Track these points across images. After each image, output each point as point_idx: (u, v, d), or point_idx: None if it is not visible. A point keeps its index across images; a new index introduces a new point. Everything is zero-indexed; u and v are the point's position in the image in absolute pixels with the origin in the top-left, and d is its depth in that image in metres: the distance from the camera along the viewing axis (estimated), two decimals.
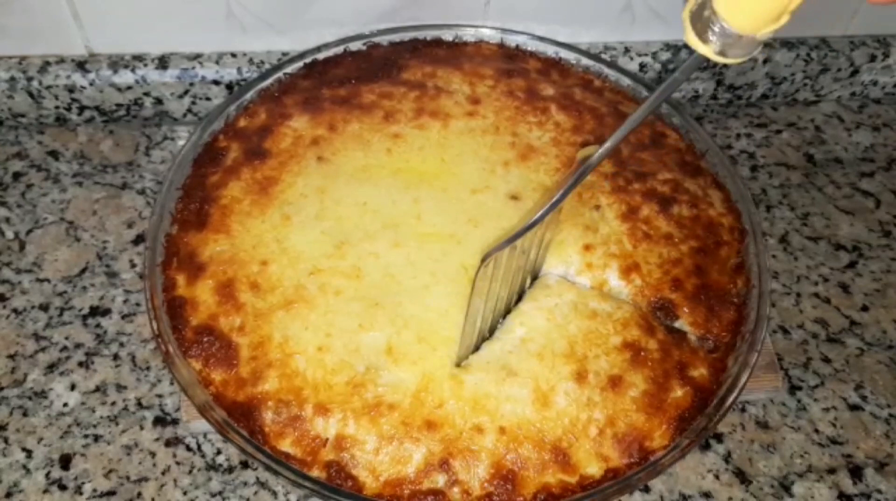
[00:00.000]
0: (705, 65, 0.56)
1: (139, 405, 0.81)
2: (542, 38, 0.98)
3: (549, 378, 0.71)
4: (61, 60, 0.99)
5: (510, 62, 0.96)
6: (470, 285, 0.76)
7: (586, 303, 0.76)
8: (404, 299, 0.74)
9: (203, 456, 0.78)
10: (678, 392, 0.72)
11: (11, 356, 0.84)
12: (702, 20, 0.53)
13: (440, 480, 0.66)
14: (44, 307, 0.88)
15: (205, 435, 0.79)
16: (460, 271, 0.77)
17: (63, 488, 0.75)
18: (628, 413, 0.70)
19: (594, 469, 0.68)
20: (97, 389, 0.82)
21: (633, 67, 1.06)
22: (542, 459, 0.68)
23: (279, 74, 0.93)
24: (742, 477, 0.79)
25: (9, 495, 0.75)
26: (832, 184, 1.05)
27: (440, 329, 0.73)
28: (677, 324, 0.77)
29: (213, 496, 0.76)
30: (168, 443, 0.79)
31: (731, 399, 0.71)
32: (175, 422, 0.80)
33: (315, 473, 0.67)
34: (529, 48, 0.99)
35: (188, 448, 0.79)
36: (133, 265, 0.92)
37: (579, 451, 0.68)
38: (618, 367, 0.72)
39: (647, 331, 0.74)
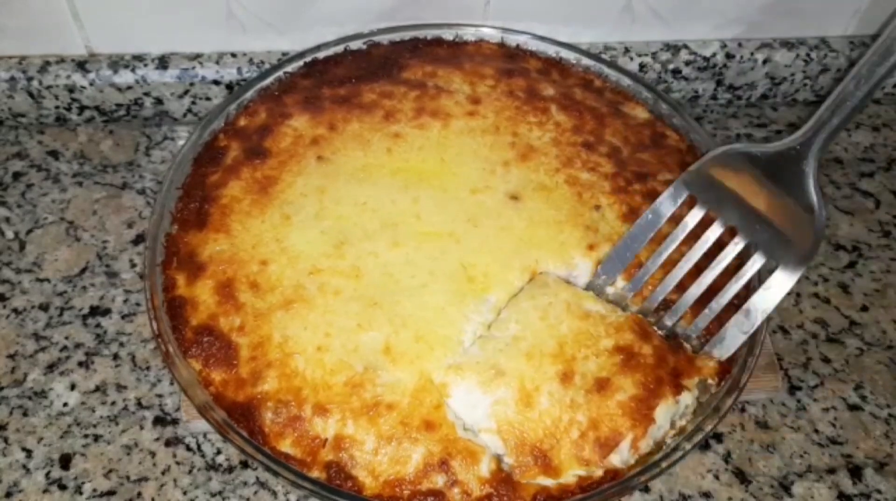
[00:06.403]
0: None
1: (139, 405, 0.81)
2: (542, 38, 0.98)
3: (535, 378, 0.70)
4: (61, 60, 1.00)
5: (511, 62, 0.96)
6: (468, 284, 0.76)
7: (580, 304, 0.75)
8: (402, 298, 0.74)
9: (203, 456, 0.78)
10: (669, 400, 0.71)
11: (11, 356, 0.84)
12: None
13: (440, 480, 0.66)
14: (44, 307, 0.88)
15: (205, 435, 0.79)
16: (459, 270, 0.76)
17: (63, 488, 0.76)
18: (613, 418, 0.69)
19: (576, 473, 0.67)
20: (97, 389, 0.82)
21: (633, 67, 1.06)
22: (525, 461, 0.67)
23: (279, 74, 0.93)
24: (742, 477, 0.79)
25: (9, 495, 0.75)
26: (832, 184, 1.05)
27: (437, 328, 0.73)
28: None
29: (213, 496, 0.76)
30: (168, 443, 0.79)
31: (730, 400, 0.71)
32: (175, 422, 0.80)
33: (315, 473, 0.67)
34: (530, 48, 0.99)
35: (188, 448, 0.79)
36: (133, 265, 0.92)
37: (560, 453, 0.67)
38: (607, 370, 0.71)
39: (641, 336, 0.73)
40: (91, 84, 1.00)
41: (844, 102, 0.68)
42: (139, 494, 0.75)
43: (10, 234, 0.94)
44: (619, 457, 0.68)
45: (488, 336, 0.73)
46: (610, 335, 0.73)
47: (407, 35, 0.98)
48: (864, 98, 0.67)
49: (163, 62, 1.00)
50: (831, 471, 0.80)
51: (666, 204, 0.78)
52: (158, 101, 1.03)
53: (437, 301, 0.74)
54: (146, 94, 1.02)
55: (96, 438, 0.79)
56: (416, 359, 0.71)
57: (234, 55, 1.02)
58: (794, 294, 0.93)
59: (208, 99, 1.04)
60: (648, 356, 0.72)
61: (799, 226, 0.71)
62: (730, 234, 0.75)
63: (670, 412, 0.71)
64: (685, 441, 0.69)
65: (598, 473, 0.67)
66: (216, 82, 1.02)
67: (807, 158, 0.70)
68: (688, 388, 0.72)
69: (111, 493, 0.75)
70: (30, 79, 0.99)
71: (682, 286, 0.76)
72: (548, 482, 0.67)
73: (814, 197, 0.70)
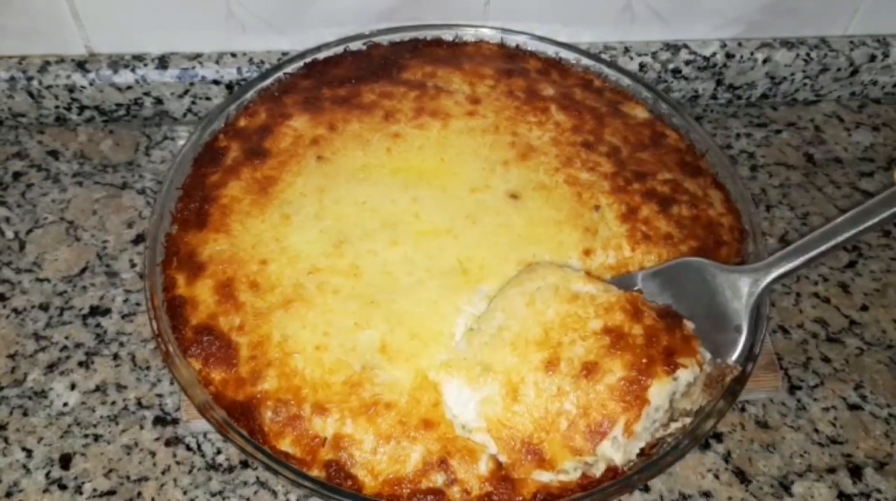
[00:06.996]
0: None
1: (139, 404, 0.81)
2: (542, 38, 0.98)
3: (520, 369, 0.68)
4: (61, 60, 1.00)
5: (510, 62, 0.96)
6: (462, 276, 0.75)
7: (569, 286, 0.72)
8: (399, 296, 0.75)
9: (203, 456, 0.78)
10: (664, 379, 0.68)
11: (11, 356, 0.84)
12: None
13: (439, 479, 0.66)
14: (44, 307, 0.88)
15: (205, 435, 0.79)
16: (455, 266, 0.77)
17: (63, 487, 0.76)
18: (603, 402, 0.67)
19: (570, 465, 0.67)
20: (97, 389, 0.82)
21: (633, 66, 1.06)
22: (517, 458, 0.67)
23: (279, 74, 0.93)
24: (742, 477, 0.79)
25: (9, 494, 0.75)
26: (832, 184, 1.05)
27: (431, 323, 0.73)
28: None
29: (213, 495, 0.76)
30: (168, 443, 0.79)
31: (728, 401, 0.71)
32: (175, 422, 0.80)
33: (315, 472, 0.67)
34: (529, 48, 0.99)
35: (188, 448, 0.79)
36: (133, 265, 0.92)
37: (553, 446, 0.67)
38: (594, 353, 0.68)
39: (632, 316, 0.70)
40: (91, 84, 1.00)
41: (818, 245, 0.70)
42: (139, 494, 0.75)
43: (10, 234, 0.94)
44: (615, 445, 0.66)
45: (475, 330, 0.72)
46: (599, 316, 0.70)
47: (407, 36, 0.98)
48: (838, 245, 0.69)
49: (163, 62, 1.00)
50: (831, 471, 0.80)
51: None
52: (158, 101, 1.03)
53: (431, 296, 0.74)
54: (146, 94, 1.02)
55: (96, 438, 0.79)
56: (412, 357, 0.71)
57: (234, 55, 1.02)
58: (795, 294, 0.93)
59: (208, 99, 1.04)
60: (639, 337, 0.69)
61: (727, 346, 0.72)
62: None
63: (667, 391, 0.68)
64: (685, 438, 0.69)
65: (601, 468, 0.67)
66: (216, 82, 1.02)
67: (756, 284, 0.72)
68: (684, 365, 0.68)
69: (111, 493, 0.75)
70: (30, 79, 0.99)
71: None
72: (545, 476, 0.67)
73: (744, 323, 0.71)
